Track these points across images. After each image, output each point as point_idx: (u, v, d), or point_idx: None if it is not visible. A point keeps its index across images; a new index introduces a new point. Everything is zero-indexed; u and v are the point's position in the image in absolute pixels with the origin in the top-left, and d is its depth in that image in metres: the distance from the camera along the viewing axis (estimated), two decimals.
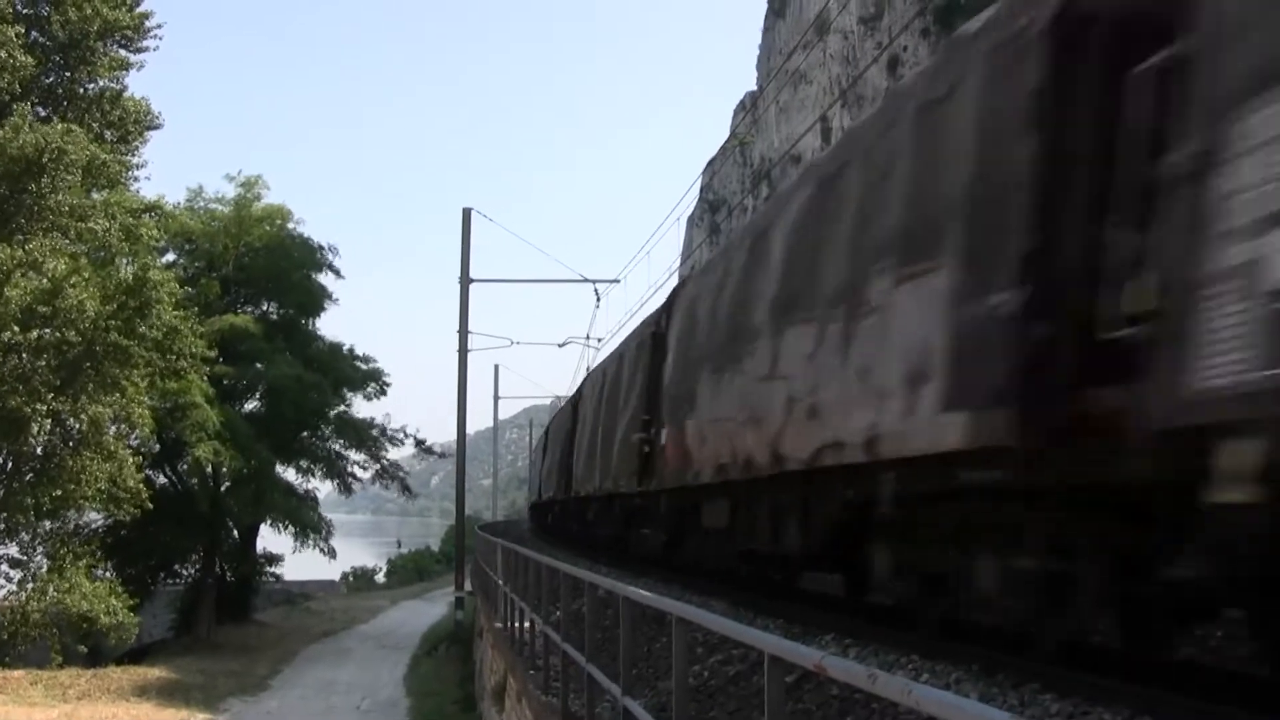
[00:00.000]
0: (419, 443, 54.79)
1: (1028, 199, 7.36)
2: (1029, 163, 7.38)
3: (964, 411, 7.83)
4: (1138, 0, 6.94)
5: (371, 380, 51.81)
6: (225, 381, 44.23)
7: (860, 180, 10.42)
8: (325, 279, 51.39)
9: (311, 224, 67.10)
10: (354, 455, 51.93)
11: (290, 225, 50.23)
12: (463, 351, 45.24)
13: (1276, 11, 5.53)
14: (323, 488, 52.39)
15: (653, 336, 20.18)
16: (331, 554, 50.22)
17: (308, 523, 47.87)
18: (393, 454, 53.94)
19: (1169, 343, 6.01)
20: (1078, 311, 6.94)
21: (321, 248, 51.41)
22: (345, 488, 52.25)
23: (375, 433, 51.82)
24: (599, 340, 55.16)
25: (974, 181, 8.07)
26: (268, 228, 48.93)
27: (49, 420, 32.23)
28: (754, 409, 12.71)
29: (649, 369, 19.95)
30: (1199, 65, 6.03)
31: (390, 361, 77.38)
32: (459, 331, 45.27)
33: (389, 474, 53.13)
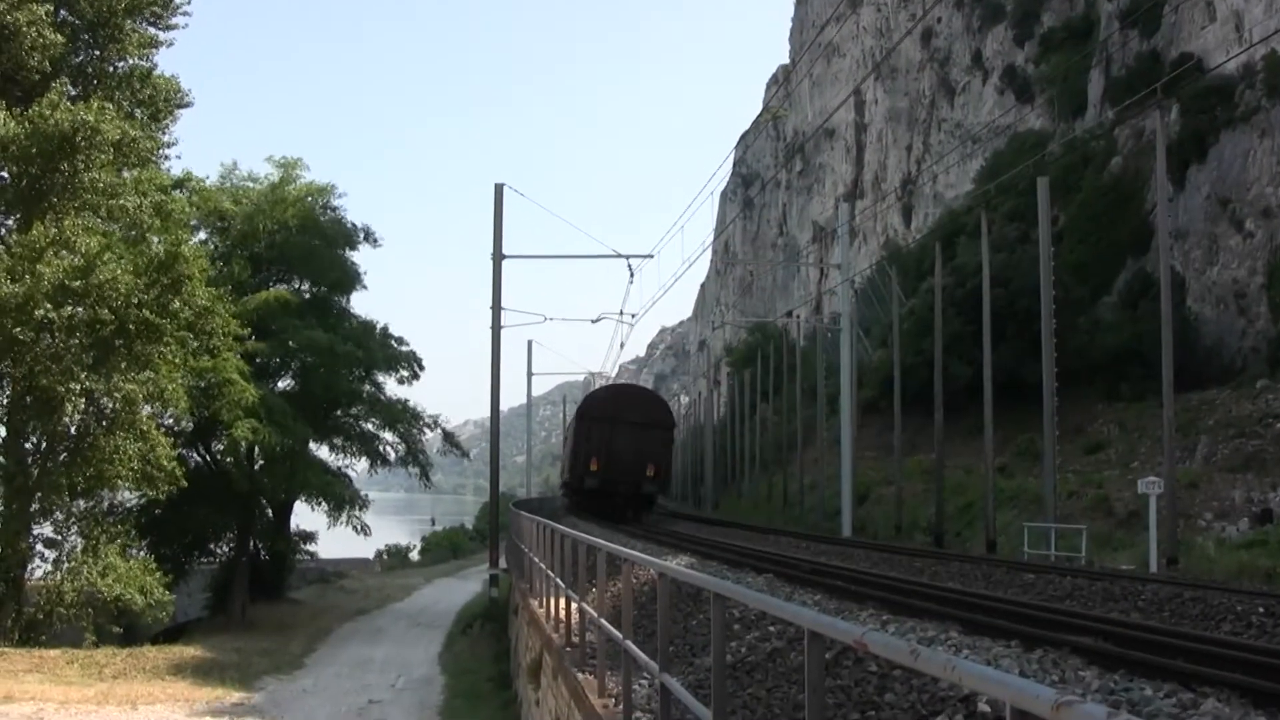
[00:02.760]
0: (446, 435, 55.10)
1: (570, 451, 47.64)
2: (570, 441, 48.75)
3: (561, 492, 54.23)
4: (585, 410, 46.89)
5: (404, 363, 51.70)
6: (258, 359, 44.32)
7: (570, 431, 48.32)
8: (359, 256, 51.65)
9: (343, 202, 67.83)
10: (386, 435, 52.14)
11: (332, 202, 50.65)
12: (496, 328, 45.43)
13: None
14: (356, 466, 52.49)
15: (576, 418, 49.02)
16: (365, 531, 50.00)
17: (343, 497, 47.78)
18: (425, 436, 54.13)
19: None
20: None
21: (355, 226, 51.58)
22: (378, 463, 52.27)
23: (407, 416, 51.86)
24: (633, 316, 55.19)
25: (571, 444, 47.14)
26: (303, 204, 49.04)
27: (82, 399, 32.43)
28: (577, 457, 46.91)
29: (572, 431, 50.20)
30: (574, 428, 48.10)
31: (423, 341, 77.83)
32: (492, 308, 45.48)
33: (418, 460, 52.97)
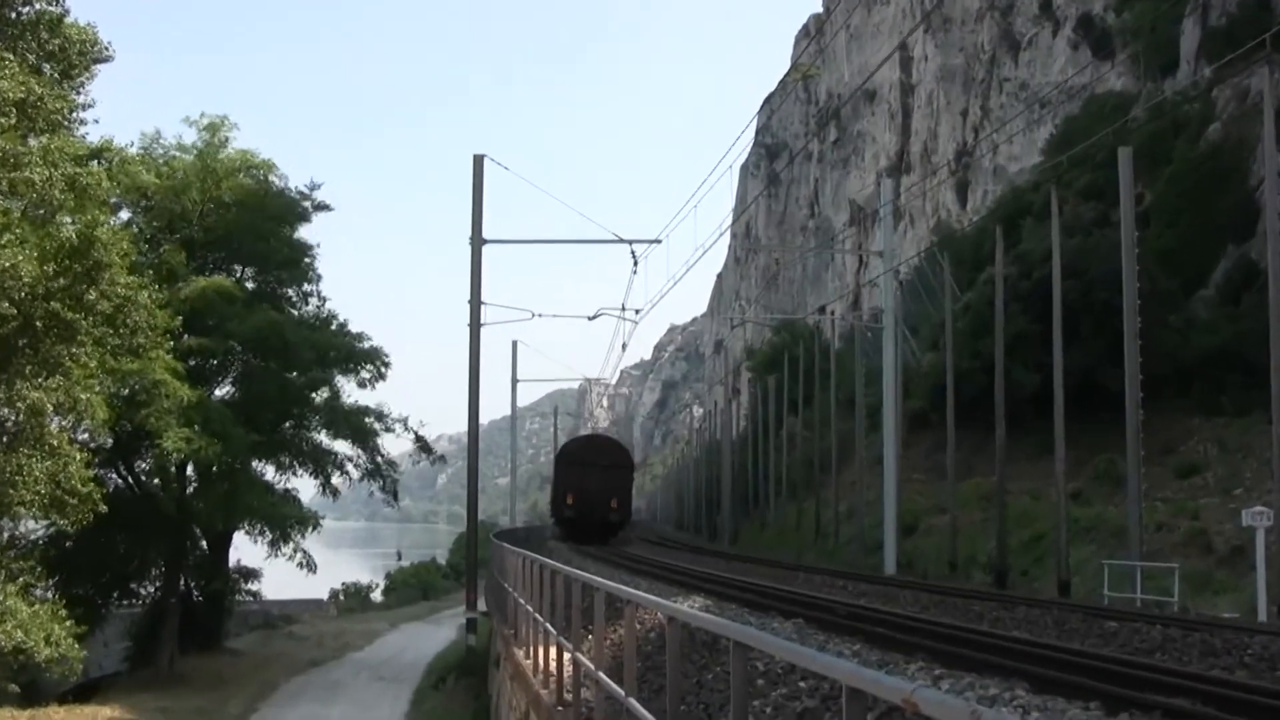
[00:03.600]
0: (418, 439, 54.56)
1: (553, 488, 69.93)
2: (553, 480, 70.76)
3: (551, 520, 73.31)
4: (562, 455, 69.03)
5: (367, 361, 51.57)
6: (194, 360, 44.11)
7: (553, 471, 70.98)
8: (313, 232, 51.62)
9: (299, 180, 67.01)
10: (345, 450, 51.98)
11: (272, 178, 50.35)
12: (475, 325, 45.39)
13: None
14: (307, 488, 52.25)
15: (556, 461, 70.37)
16: (309, 566, 49.65)
17: (290, 520, 47.33)
18: (391, 449, 53.86)
19: None
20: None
21: (303, 194, 51.43)
22: (331, 489, 52.11)
23: (370, 420, 51.77)
24: (636, 312, 55.10)
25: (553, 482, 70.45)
26: (241, 179, 48.87)
27: None
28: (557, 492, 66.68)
29: (554, 472, 70.26)
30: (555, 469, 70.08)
31: (391, 344, 77.57)
32: (470, 301, 45.46)
33: (383, 473, 52.71)
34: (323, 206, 51.96)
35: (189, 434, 40.42)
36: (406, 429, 53.03)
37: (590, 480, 62.50)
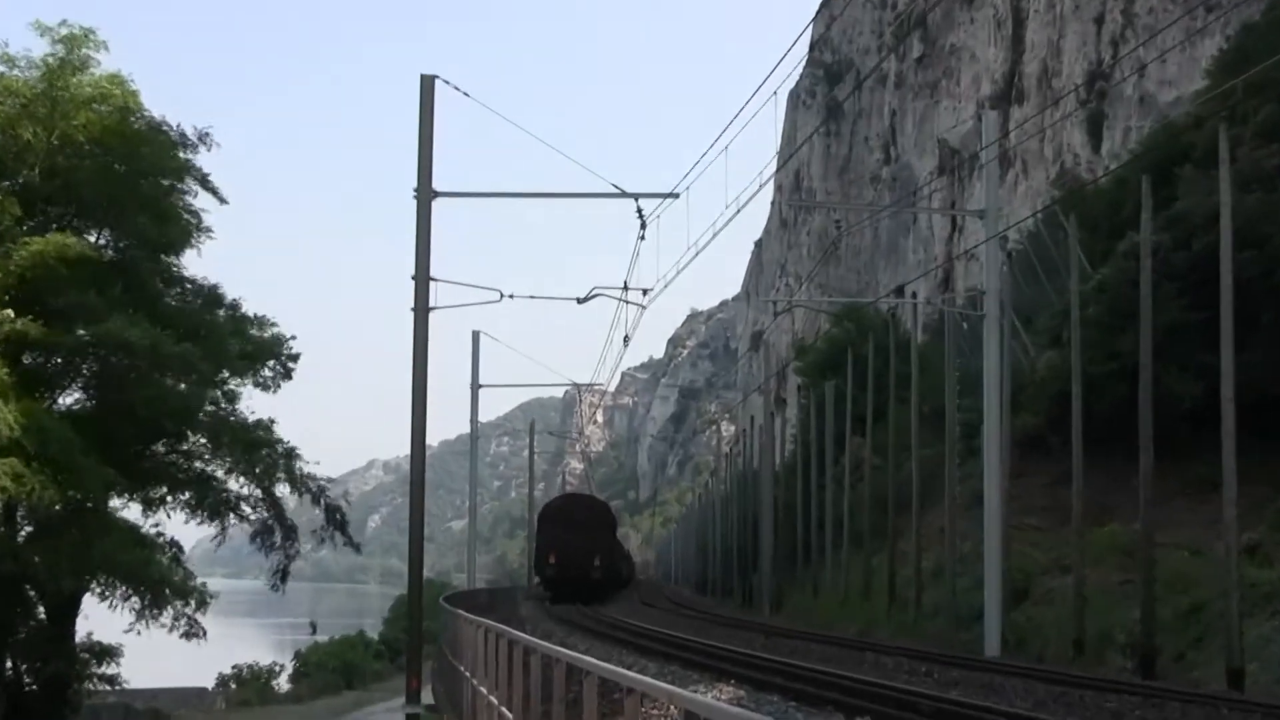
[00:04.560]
0: (313, 495, 54.81)
1: (535, 548, 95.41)
2: (535, 540, 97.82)
3: (536, 581, 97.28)
4: (544, 514, 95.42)
5: (268, 355, 51.59)
6: (29, 358, 44.05)
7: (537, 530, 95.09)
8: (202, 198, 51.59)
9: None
10: (238, 484, 51.94)
11: (147, 114, 50.38)
12: (421, 308, 44.78)
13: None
14: (189, 534, 52.28)
15: (538, 520, 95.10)
16: (195, 634, 49.66)
17: (163, 580, 47.25)
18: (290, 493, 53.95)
19: None
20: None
21: (185, 137, 51.42)
22: (221, 531, 52.11)
23: (273, 440, 51.85)
24: (644, 293, 54.67)
25: (536, 542, 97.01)
26: (100, 111, 48.76)
27: None
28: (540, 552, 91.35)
29: (536, 531, 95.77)
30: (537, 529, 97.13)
31: (327, 351, 77.58)
32: (415, 277, 44.96)
33: (285, 521, 52.85)
34: (206, 139, 51.82)
35: (15, 466, 40.22)
36: (300, 484, 53.25)
37: (572, 538, 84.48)
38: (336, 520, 56.28)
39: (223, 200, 52.34)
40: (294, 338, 52.98)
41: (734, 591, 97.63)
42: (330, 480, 56.04)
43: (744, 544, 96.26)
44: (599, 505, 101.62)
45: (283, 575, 54.02)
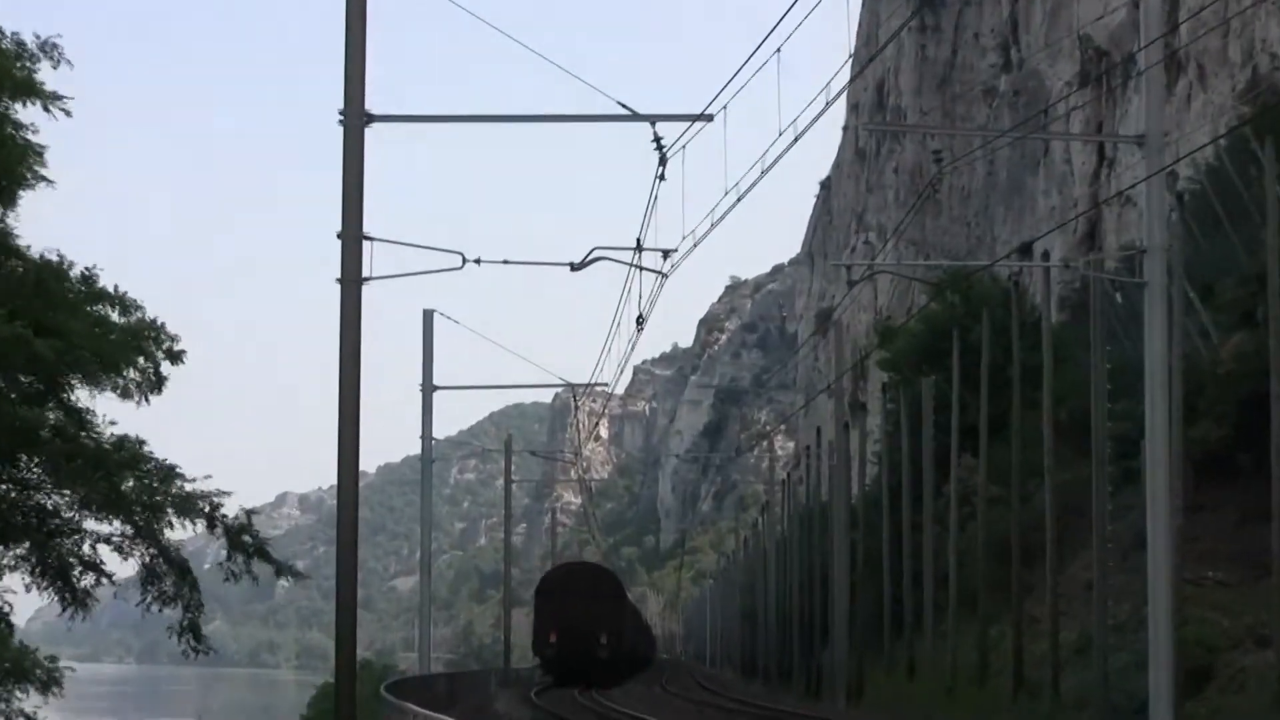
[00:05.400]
0: (210, 519, 54.65)
1: (533, 627, 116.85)
2: (532, 617, 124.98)
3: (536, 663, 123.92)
4: (541, 588, 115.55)
5: (133, 348, 51.71)
6: None
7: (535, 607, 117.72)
8: (36, 115, 51.63)
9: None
10: (97, 524, 51.96)
11: None
12: (351, 276, 44.61)
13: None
14: (28, 603, 52.35)
15: (534, 596, 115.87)
16: None
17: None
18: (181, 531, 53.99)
19: None
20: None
21: (21, 45, 51.57)
22: (76, 599, 52.33)
23: (143, 458, 51.61)
24: (664, 256, 54.34)
25: (533, 620, 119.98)
26: None
27: None
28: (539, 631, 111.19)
29: (533, 609, 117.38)
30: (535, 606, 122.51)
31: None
32: (342, 235, 44.77)
33: (162, 573, 52.96)
34: (52, 52, 51.81)
35: None
36: (208, 509, 53.27)
37: (573, 612, 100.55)
38: (246, 545, 55.61)
39: (69, 114, 52.16)
40: (165, 327, 52.85)
41: (793, 673, 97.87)
42: (224, 494, 55.44)
43: (809, 608, 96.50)
44: (603, 573, 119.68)
45: (195, 633, 53.70)
